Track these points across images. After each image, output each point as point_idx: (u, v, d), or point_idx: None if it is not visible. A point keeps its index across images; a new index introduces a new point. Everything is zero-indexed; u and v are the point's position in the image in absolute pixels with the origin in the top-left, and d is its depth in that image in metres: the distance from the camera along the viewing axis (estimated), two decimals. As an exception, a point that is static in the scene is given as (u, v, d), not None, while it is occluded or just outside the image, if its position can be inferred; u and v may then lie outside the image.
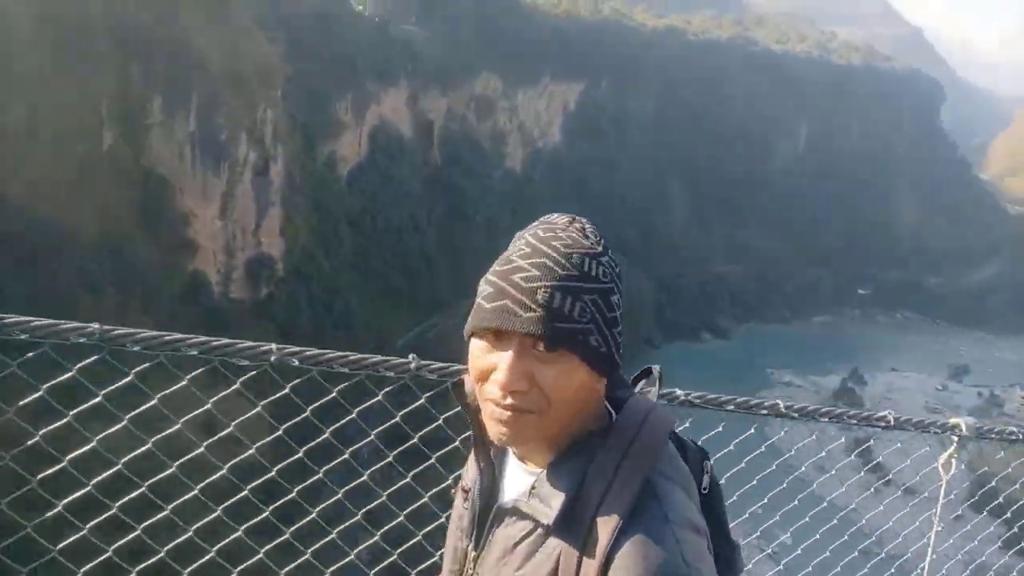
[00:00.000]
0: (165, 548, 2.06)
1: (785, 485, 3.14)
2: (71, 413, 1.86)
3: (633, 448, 1.13)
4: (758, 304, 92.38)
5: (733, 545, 1.30)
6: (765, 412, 2.38)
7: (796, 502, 3.20)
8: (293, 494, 2.21)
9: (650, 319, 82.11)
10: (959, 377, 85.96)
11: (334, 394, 2.01)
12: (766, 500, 3.07)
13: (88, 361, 1.75)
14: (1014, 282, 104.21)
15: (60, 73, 34.32)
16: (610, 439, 1.14)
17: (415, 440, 2.31)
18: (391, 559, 2.35)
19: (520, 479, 1.20)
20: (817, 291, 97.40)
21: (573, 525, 1.10)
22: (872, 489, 3.65)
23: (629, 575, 1.04)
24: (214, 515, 2.12)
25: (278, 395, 2.06)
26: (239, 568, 2.24)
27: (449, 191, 76.04)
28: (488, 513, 1.22)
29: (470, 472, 1.28)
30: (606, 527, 1.07)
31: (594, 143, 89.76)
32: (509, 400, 1.10)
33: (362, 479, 2.37)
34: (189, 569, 2.09)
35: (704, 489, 1.25)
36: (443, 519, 1.42)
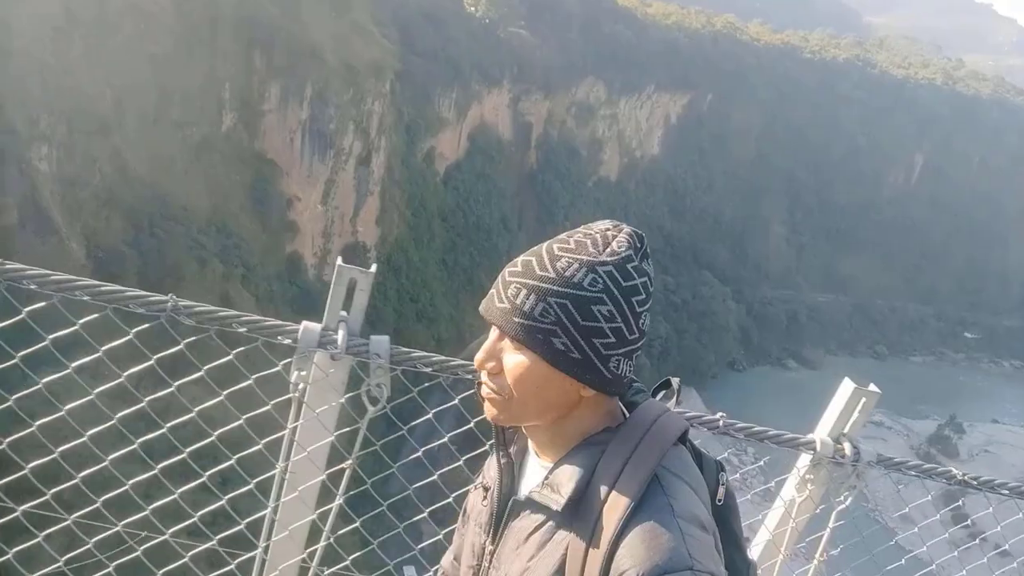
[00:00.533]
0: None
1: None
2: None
3: (643, 443, 1.17)
4: (852, 337, 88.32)
5: (748, 562, 1.32)
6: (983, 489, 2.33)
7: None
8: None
9: (734, 342, 79.97)
10: (1071, 437, 79.57)
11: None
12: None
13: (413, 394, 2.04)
14: None
15: (190, 58, 36.61)
16: (621, 433, 1.18)
17: (404, 433, 2.33)
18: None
19: (537, 473, 1.25)
20: (918, 330, 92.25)
21: (581, 515, 1.14)
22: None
23: (633, 566, 1.06)
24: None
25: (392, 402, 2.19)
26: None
27: (542, 194, 76.32)
28: (505, 508, 1.27)
29: (491, 470, 1.34)
30: (612, 517, 1.10)
31: (693, 158, 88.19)
32: (485, 378, 1.21)
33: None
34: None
35: (719, 500, 1.27)
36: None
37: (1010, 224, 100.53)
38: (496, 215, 71.29)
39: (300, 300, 47.02)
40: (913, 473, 2.25)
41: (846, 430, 2.17)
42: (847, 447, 2.14)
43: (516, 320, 1.13)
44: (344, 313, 1.80)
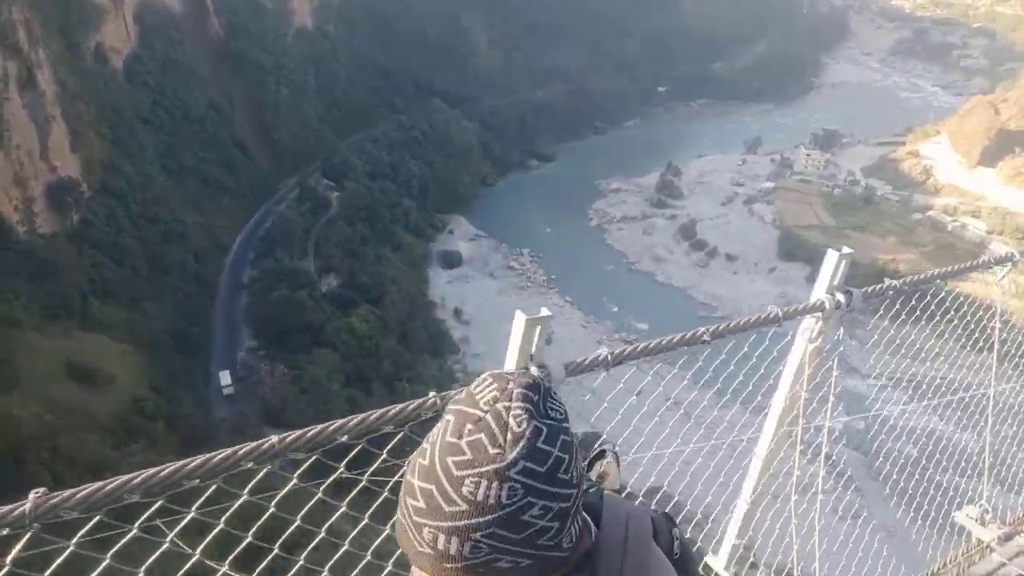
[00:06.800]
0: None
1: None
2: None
3: (626, 567, 1.13)
4: (575, 122, 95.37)
5: None
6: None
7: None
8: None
9: (479, 159, 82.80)
10: (754, 149, 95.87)
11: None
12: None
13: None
14: (780, 53, 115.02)
15: None
16: (600, 566, 1.11)
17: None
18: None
19: None
20: (625, 98, 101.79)
21: None
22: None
23: None
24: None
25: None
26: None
27: (243, 66, 69.05)
28: None
29: None
30: None
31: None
32: None
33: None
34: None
35: (675, 554, 1.29)
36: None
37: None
38: (203, 101, 63.73)
39: (27, 265, 39.94)
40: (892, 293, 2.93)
41: (826, 290, 2.79)
42: (840, 297, 2.76)
43: (448, 566, 1.00)
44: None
